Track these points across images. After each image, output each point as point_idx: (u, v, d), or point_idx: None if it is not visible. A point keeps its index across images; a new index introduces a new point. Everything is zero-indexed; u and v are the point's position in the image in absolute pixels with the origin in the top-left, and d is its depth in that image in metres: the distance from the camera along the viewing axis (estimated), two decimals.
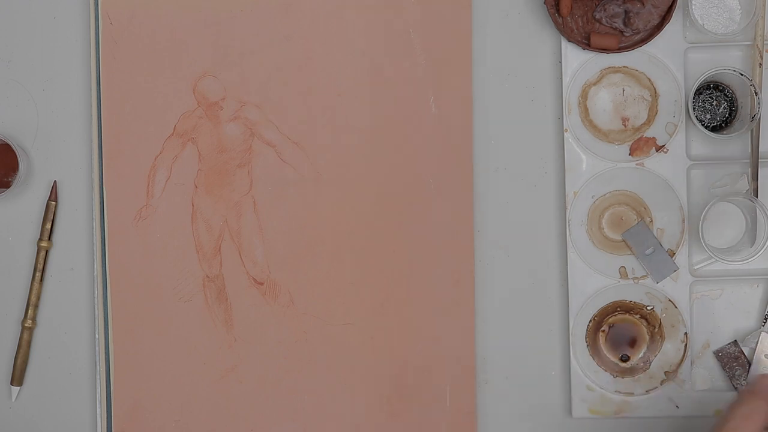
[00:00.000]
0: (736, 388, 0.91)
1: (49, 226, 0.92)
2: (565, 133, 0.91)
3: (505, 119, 0.92)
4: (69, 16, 0.93)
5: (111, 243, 0.91)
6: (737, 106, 0.91)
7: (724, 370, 0.91)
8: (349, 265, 0.91)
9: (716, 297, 0.92)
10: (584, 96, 0.91)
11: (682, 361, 0.91)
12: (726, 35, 0.89)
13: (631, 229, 0.91)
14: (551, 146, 0.92)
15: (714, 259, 0.89)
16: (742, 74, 0.88)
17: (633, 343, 0.91)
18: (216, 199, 0.92)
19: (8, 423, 0.94)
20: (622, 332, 0.91)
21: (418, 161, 0.91)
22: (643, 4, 0.89)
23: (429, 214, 0.91)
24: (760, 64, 0.90)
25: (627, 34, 0.90)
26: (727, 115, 0.92)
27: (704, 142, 0.91)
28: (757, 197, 0.90)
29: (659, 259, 0.90)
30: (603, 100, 0.91)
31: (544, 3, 0.90)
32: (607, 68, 0.91)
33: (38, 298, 0.93)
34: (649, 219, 0.91)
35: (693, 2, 0.90)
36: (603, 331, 0.91)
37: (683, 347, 0.91)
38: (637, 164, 0.91)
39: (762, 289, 0.92)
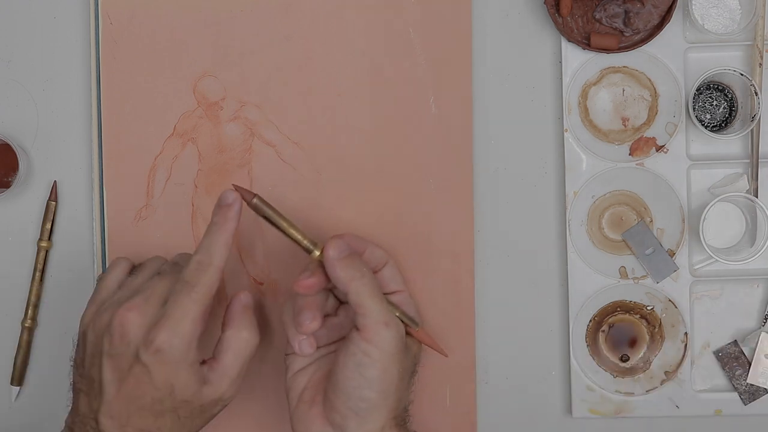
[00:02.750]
0: (736, 388, 0.91)
1: (49, 226, 0.92)
2: (565, 133, 0.91)
3: (505, 119, 0.92)
4: (69, 16, 0.93)
5: (111, 243, 0.91)
6: (737, 106, 0.91)
7: (724, 370, 0.91)
8: None
9: (716, 297, 0.92)
10: (584, 96, 0.91)
11: (682, 361, 0.91)
12: (726, 35, 0.89)
13: (631, 229, 0.91)
14: (551, 146, 0.92)
15: (714, 259, 0.89)
16: (742, 74, 0.88)
17: (633, 343, 0.91)
18: (216, 199, 0.91)
19: (8, 423, 0.94)
20: (622, 332, 0.91)
21: (418, 161, 0.91)
22: (643, 4, 0.89)
23: (429, 214, 0.91)
24: (760, 64, 0.90)
25: (627, 34, 0.90)
26: (727, 115, 0.92)
27: (704, 142, 0.91)
28: (757, 197, 0.90)
29: (659, 259, 0.90)
30: (603, 100, 0.91)
31: (544, 3, 0.90)
32: (607, 68, 0.91)
33: (38, 298, 0.93)
34: (649, 219, 0.91)
35: (693, 2, 0.90)
36: (603, 331, 0.91)
37: (683, 347, 0.91)
38: (637, 164, 0.91)
39: (762, 289, 0.92)
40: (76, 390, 0.81)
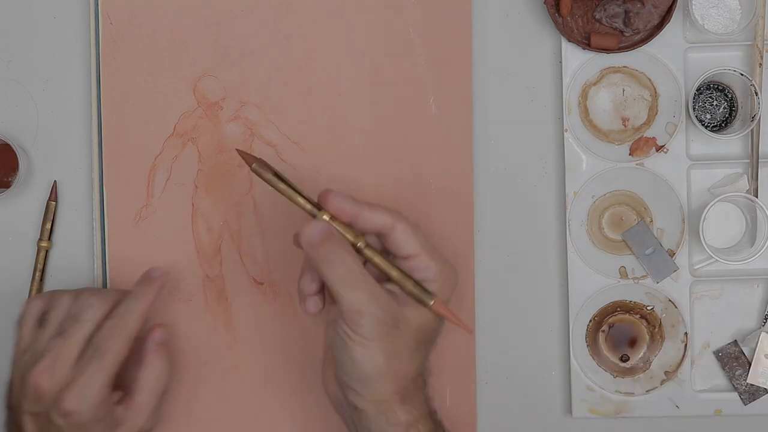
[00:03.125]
0: (736, 388, 0.91)
1: (49, 226, 0.92)
2: (565, 133, 0.91)
3: (505, 119, 0.92)
4: (69, 16, 0.93)
5: (111, 243, 0.91)
6: (737, 106, 0.91)
7: (724, 370, 0.91)
8: None
9: (716, 297, 0.92)
10: (584, 96, 0.91)
11: (682, 361, 0.91)
12: (726, 35, 0.89)
13: (631, 229, 0.91)
14: (551, 146, 0.92)
15: (714, 259, 0.89)
16: (742, 74, 0.88)
17: (633, 343, 0.91)
18: (216, 199, 0.92)
19: None
20: (622, 332, 0.91)
21: (418, 161, 0.91)
22: (643, 4, 0.89)
23: (429, 214, 0.91)
24: (760, 64, 0.90)
25: (627, 34, 0.90)
26: (727, 115, 0.92)
27: (704, 142, 0.91)
28: (757, 197, 0.90)
29: (659, 259, 0.90)
30: (603, 100, 0.91)
31: (544, 3, 0.90)
32: (607, 68, 0.91)
33: None
34: (649, 219, 0.91)
35: (693, 2, 0.90)
36: (603, 331, 0.91)
37: (683, 347, 0.91)
38: (637, 164, 0.91)
39: (762, 289, 0.92)
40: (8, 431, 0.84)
